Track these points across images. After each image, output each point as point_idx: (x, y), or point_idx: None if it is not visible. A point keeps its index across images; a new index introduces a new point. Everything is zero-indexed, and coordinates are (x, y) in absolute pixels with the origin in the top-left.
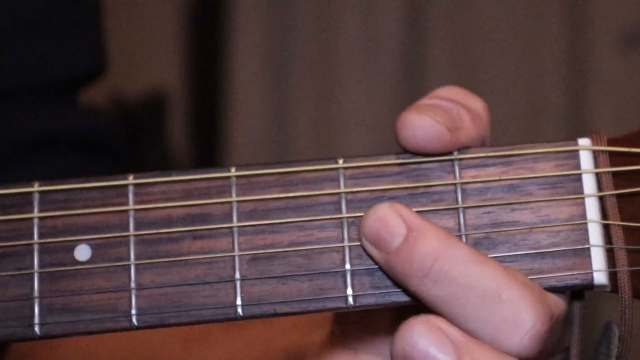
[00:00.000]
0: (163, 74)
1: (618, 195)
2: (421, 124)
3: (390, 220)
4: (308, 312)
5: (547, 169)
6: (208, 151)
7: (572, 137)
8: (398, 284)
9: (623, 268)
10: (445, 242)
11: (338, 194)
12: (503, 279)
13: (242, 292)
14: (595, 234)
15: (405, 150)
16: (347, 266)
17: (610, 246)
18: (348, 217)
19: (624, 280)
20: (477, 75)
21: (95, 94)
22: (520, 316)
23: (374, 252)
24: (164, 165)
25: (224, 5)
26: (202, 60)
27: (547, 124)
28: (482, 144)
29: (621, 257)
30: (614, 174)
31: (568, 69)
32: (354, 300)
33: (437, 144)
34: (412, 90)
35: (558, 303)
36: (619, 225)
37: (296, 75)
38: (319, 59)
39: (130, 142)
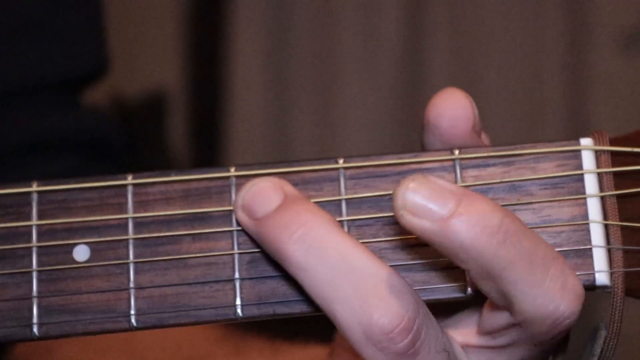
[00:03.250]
0: (163, 74)
1: (619, 195)
2: (460, 99)
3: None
4: (308, 313)
5: (548, 169)
6: (208, 151)
7: (572, 137)
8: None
9: (621, 269)
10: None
11: (337, 195)
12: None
13: (241, 292)
14: (597, 235)
15: (425, 123)
16: None
17: (612, 247)
18: (347, 220)
19: (618, 281)
20: (477, 75)
21: (95, 94)
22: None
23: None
24: (164, 165)
25: (224, 5)
26: (202, 60)
27: (547, 123)
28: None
29: (617, 257)
30: (615, 173)
31: (568, 69)
32: None
33: (461, 124)
34: (412, 90)
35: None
36: (617, 225)
37: (296, 75)
38: (319, 59)
39: (130, 142)
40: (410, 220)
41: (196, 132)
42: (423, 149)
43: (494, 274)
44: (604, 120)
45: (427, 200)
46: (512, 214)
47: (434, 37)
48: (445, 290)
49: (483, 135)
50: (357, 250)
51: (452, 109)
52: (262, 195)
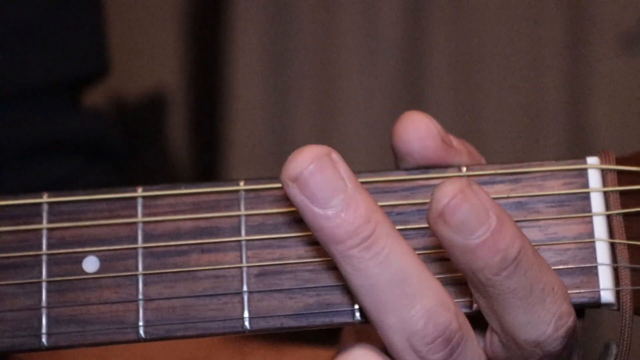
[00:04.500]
0: (163, 74)
1: (626, 214)
2: (418, 120)
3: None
4: (315, 326)
5: (555, 187)
6: (208, 151)
7: (573, 139)
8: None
9: (629, 287)
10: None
11: None
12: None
13: (249, 305)
14: (602, 253)
15: (396, 153)
16: None
17: (618, 265)
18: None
19: (627, 300)
20: (477, 75)
21: (95, 95)
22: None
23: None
24: (164, 165)
25: (224, 5)
26: (202, 61)
27: (547, 124)
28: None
29: (625, 276)
30: (622, 192)
31: (568, 69)
32: (362, 316)
33: (429, 144)
34: (412, 90)
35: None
36: (624, 244)
37: (296, 75)
38: (319, 59)
39: (131, 142)
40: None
41: (196, 133)
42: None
43: (491, 296)
44: (604, 120)
45: (466, 218)
46: (529, 242)
47: (434, 37)
48: None
49: (455, 142)
50: (415, 261)
51: (416, 132)
52: (326, 186)
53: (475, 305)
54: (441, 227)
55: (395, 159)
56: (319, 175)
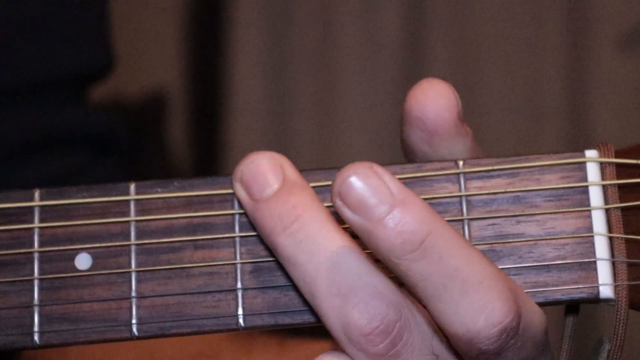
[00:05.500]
0: (163, 74)
1: (624, 208)
2: (441, 87)
3: (269, 170)
4: (310, 324)
5: (553, 181)
6: (208, 151)
7: (572, 137)
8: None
9: (626, 282)
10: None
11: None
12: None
13: (243, 302)
14: (601, 247)
15: (405, 117)
16: None
17: (617, 259)
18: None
19: (622, 295)
20: (477, 75)
21: (96, 93)
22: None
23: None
24: (164, 165)
25: (224, 5)
26: (202, 60)
27: (548, 123)
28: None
29: (621, 270)
30: (620, 186)
31: (568, 69)
32: None
33: (445, 114)
34: None
35: (535, 318)
36: (621, 238)
37: (296, 75)
38: (319, 59)
39: (131, 141)
40: (342, 209)
41: (196, 132)
42: (404, 146)
43: (409, 285)
44: (604, 119)
45: (362, 197)
46: (447, 228)
47: (434, 37)
48: None
49: (465, 125)
50: (346, 249)
51: (435, 99)
52: (261, 175)
53: None
54: (341, 207)
55: (402, 125)
56: (256, 168)
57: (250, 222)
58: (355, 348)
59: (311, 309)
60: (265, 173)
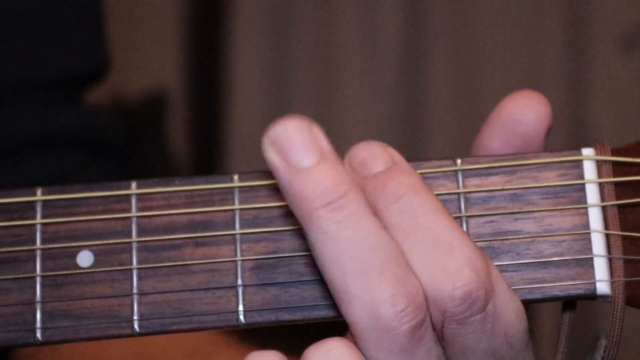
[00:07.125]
0: (163, 74)
1: (620, 205)
2: (543, 102)
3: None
4: (310, 320)
5: (550, 179)
6: (208, 151)
7: (572, 137)
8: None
9: (622, 278)
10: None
11: None
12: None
13: (244, 299)
14: (598, 244)
15: (495, 118)
16: None
17: (613, 256)
18: None
19: (619, 292)
20: (477, 75)
21: (96, 94)
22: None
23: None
24: (164, 165)
25: (224, 5)
26: (202, 60)
27: None
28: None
29: (618, 267)
30: (617, 183)
31: (568, 69)
32: None
33: (541, 127)
34: (412, 90)
35: (511, 309)
36: (618, 235)
37: (296, 75)
38: (319, 58)
39: (131, 141)
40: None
41: (196, 132)
42: (478, 148)
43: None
44: (604, 119)
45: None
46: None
47: (434, 37)
48: None
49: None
50: (384, 230)
51: (536, 107)
52: (301, 144)
53: None
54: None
55: (486, 126)
56: (295, 135)
57: (251, 220)
58: (378, 332)
59: (311, 306)
60: (305, 143)
